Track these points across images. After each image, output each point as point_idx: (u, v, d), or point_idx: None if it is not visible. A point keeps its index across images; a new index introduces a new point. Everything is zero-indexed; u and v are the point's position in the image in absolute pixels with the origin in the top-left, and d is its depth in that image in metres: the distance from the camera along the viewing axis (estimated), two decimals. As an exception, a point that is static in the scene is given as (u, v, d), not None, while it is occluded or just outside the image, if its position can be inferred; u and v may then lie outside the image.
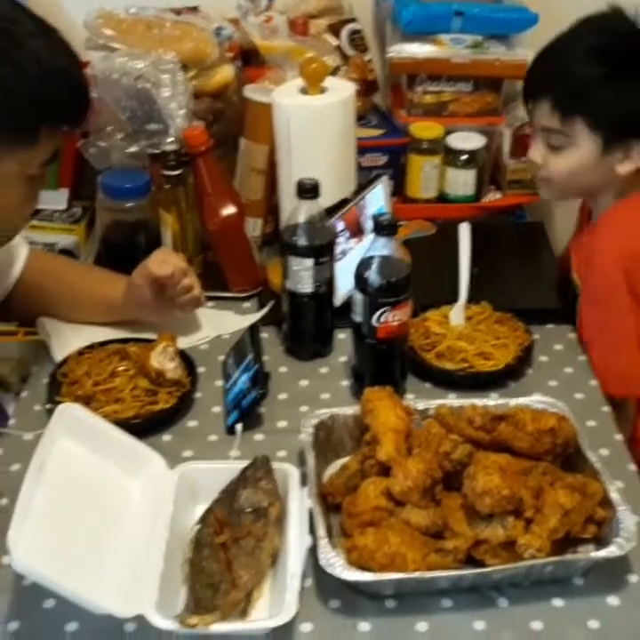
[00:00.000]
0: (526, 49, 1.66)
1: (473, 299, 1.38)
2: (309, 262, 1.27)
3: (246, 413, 1.20)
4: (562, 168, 1.38)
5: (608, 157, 1.34)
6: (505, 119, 1.76)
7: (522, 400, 1.15)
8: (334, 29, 1.72)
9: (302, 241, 1.26)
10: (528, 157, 1.44)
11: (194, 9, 1.61)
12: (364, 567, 0.94)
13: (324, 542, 0.95)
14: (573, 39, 1.36)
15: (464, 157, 1.71)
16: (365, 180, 1.52)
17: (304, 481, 1.04)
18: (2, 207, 1.08)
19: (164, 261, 1.29)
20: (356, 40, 1.73)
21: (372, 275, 1.16)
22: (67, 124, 1.10)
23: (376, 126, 1.75)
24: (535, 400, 1.15)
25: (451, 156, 1.71)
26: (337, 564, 0.93)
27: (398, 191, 1.71)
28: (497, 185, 1.81)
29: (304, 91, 1.40)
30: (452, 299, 1.38)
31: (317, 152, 1.38)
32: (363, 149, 1.59)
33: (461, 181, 1.73)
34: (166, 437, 1.20)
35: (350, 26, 1.73)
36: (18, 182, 1.07)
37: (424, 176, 1.71)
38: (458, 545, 0.96)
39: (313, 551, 0.96)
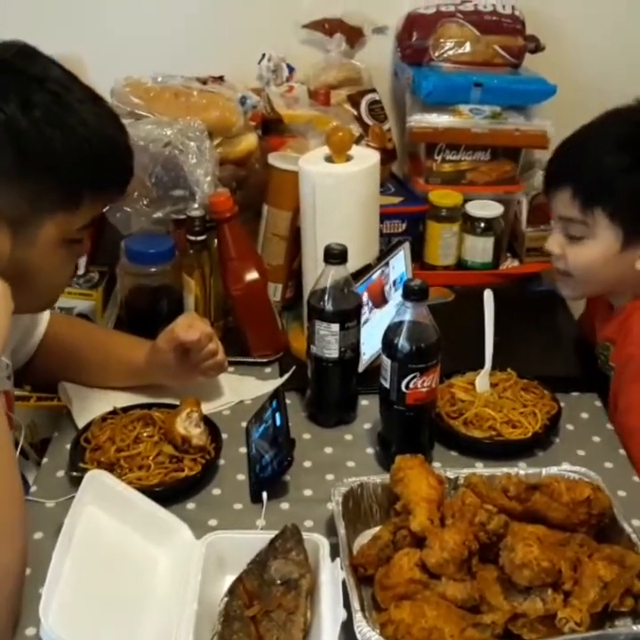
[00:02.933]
0: (544, 119, 1.69)
1: (495, 366, 1.37)
2: (336, 327, 1.27)
3: (272, 482, 1.18)
4: (580, 260, 1.35)
5: (629, 252, 1.32)
6: (523, 187, 1.78)
7: (553, 470, 1.14)
8: (354, 100, 1.75)
9: (329, 306, 1.26)
10: (546, 247, 1.41)
11: (219, 78, 1.64)
12: (399, 642, 0.92)
13: (359, 616, 0.93)
14: (600, 129, 1.35)
15: (482, 225, 1.72)
16: (386, 247, 1.53)
17: (334, 552, 1.02)
18: (42, 271, 1.08)
19: (191, 326, 1.29)
20: (375, 110, 1.76)
21: (402, 340, 1.16)
22: (110, 190, 1.11)
23: (394, 194, 1.76)
24: (566, 469, 1.14)
25: (469, 224, 1.73)
26: (373, 639, 0.90)
27: (417, 258, 1.71)
28: (514, 253, 1.82)
29: (329, 159, 1.42)
30: (475, 365, 1.37)
31: (342, 219, 1.39)
32: (382, 216, 1.60)
33: (480, 248, 1.74)
34: (190, 505, 1.18)
35: (369, 96, 1.76)
36: (57, 246, 1.07)
37: (443, 243, 1.73)
38: (496, 619, 0.94)
39: (346, 625, 0.93)
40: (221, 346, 1.33)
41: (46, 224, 1.04)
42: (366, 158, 1.43)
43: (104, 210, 1.14)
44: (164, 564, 1.04)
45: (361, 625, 0.92)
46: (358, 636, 0.91)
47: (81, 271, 1.72)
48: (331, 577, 0.97)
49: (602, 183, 1.30)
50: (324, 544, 1.03)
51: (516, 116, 1.70)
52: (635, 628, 0.95)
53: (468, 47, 1.71)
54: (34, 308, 1.20)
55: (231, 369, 1.45)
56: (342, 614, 0.93)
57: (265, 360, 1.48)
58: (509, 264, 1.80)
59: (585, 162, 1.33)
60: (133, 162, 1.12)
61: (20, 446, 1.27)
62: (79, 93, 1.03)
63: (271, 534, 1.04)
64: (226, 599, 1.00)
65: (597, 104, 1.90)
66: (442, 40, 1.72)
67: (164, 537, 1.06)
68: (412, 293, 1.15)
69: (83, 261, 1.73)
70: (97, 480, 1.02)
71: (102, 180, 1.07)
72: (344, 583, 0.96)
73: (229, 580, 1.02)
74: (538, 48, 1.76)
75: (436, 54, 1.71)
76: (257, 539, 1.05)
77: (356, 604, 0.94)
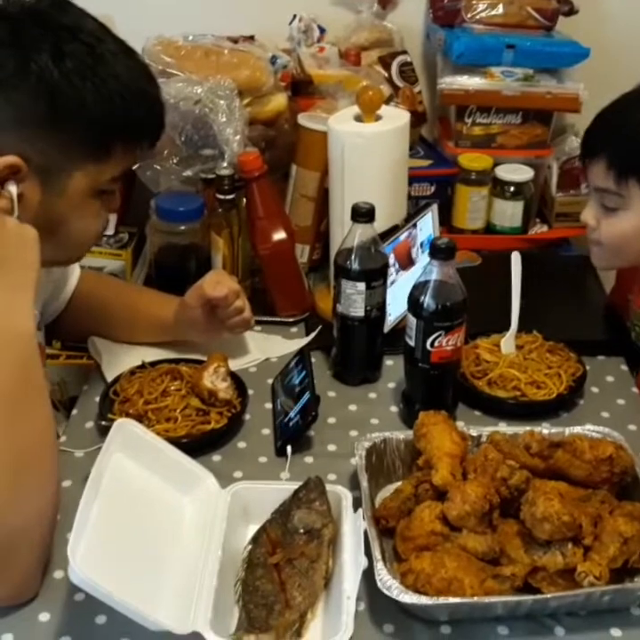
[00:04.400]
0: (577, 83, 1.67)
1: (522, 329, 1.38)
2: (362, 286, 1.27)
3: (296, 436, 1.20)
4: (614, 231, 1.34)
5: None
6: (553, 152, 1.77)
7: (577, 429, 1.14)
8: (384, 61, 1.74)
9: (355, 265, 1.26)
10: (582, 218, 1.40)
11: (250, 38, 1.64)
12: (419, 591, 0.93)
13: (380, 565, 0.94)
14: (637, 99, 1.33)
15: (512, 189, 1.71)
16: (414, 209, 1.53)
17: (356, 504, 1.03)
18: (70, 222, 1.08)
19: (219, 282, 1.30)
20: (406, 72, 1.75)
21: (428, 299, 1.16)
22: (142, 141, 1.11)
23: (424, 157, 1.76)
24: (590, 429, 1.14)
25: (498, 188, 1.72)
26: (394, 587, 0.92)
27: (445, 221, 1.71)
28: (543, 218, 1.81)
29: (359, 118, 1.42)
30: (501, 328, 1.37)
31: (370, 179, 1.39)
32: (411, 179, 1.60)
33: (509, 213, 1.73)
34: (216, 457, 1.20)
35: (400, 58, 1.75)
36: (87, 196, 1.07)
37: (471, 207, 1.72)
38: (516, 571, 0.95)
39: (367, 574, 0.95)
40: (248, 303, 1.35)
41: (76, 174, 1.05)
42: (396, 118, 1.43)
43: (135, 165, 1.14)
44: (190, 512, 1.06)
45: (382, 573, 0.93)
46: (379, 584, 0.93)
47: (111, 231, 1.74)
48: (353, 527, 0.99)
49: (637, 154, 1.29)
50: (346, 496, 1.05)
51: (548, 79, 1.68)
52: (654, 583, 0.96)
53: (500, 9, 1.69)
54: (62, 261, 1.20)
55: (258, 328, 1.47)
56: (363, 562, 0.94)
57: (291, 320, 1.50)
58: (538, 229, 1.79)
59: (621, 132, 1.32)
60: (165, 115, 1.12)
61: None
62: (112, 45, 1.03)
63: (295, 486, 1.06)
64: (249, 547, 1.02)
65: (630, 68, 1.88)
66: (474, 2, 1.70)
67: (190, 486, 1.07)
68: (439, 252, 1.15)
69: (113, 222, 1.74)
70: (125, 428, 1.04)
71: (133, 132, 1.08)
72: (366, 534, 0.97)
73: (253, 529, 1.04)
74: (571, 11, 1.74)
75: (469, 16, 1.70)
76: (281, 489, 1.07)
77: (377, 554, 0.96)
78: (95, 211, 1.11)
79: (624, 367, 1.39)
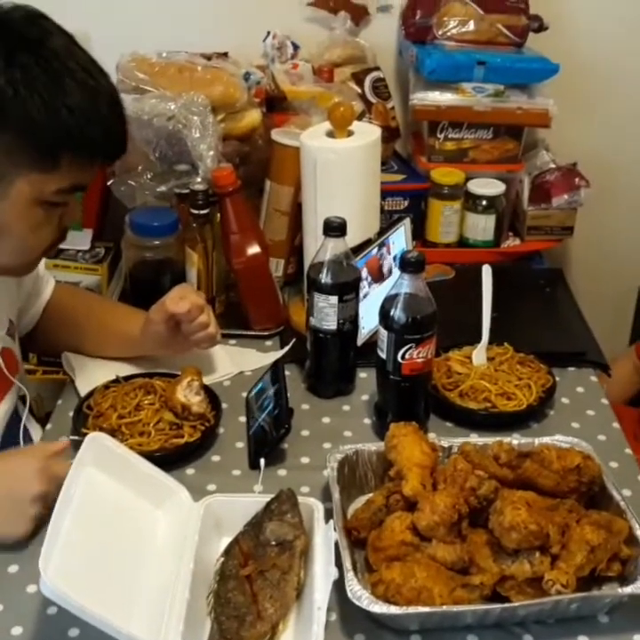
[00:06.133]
0: (547, 98, 1.70)
1: (493, 341, 1.39)
2: (334, 299, 1.28)
3: (270, 449, 1.21)
4: None
5: None
6: (524, 166, 1.79)
7: (546, 439, 1.16)
8: (358, 78, 1.76)
9: (328, 278, 1.28)
10: None
11: (224, 54, 1.65)
12: (390, 601, 0.94)
13: (350, 575, 0.95)
14: None
15: (484, 203, 1.73)
16: (388, 223, 1.54)
17: (328, 516, 1.04)
18: (13, 229, 1.07)
19: (182, 298, 1.30)
20: (379, 88, 1.77)
21: (398, 311, 1.17)
22: (94, 159, 1.09)
23: (397, 172, 1.78)
24: (558, 439, 1.15)
25: (471, 202, 1.74)
26: (364, 597, 0.93)
27: (419, 235, 1.73)
28: (515, 231, 1.83)
29: (331, 134, 1.43)
30: (473, 340, 1.39)
31: (343, 193, 1.41)
32: (384, 193, 1.62)
33: (481, 227, 1.75)
34: (190, 471, 1.20)
35: (373, 74, 1.77)
36: (31, 205, 1.06)
37: (444, 221, 1.74)
38: (484, 580, 0.96)
39: (338, 585, 0.96)
40: (214, 318, 1.34)
41: (19, 181, 1.04)
42: (367, 134, 1.45)
43: (89, 181, 1.13)
44: (163, 525, 1.07)
45: (352, 584, 0.94)
46: (349, 594, 0.94)
47: (87, 246, 1.75)
48: (324, 538, 0.99)
49: None
50: (318, 507, 1.05)
51: (518, 94, 1.71)
52: (620, 590, 0.97)
53: (471, 25, 1.72)
54: (8, 269, 1.17)
55: (233, 342, 1.48)
56: (334, 573, 0.95)
57: (266, 333, 1.51)
58: (510, 242, 1.81)
59: None
60: (125, 137, 1.11)
61: (26, 409, 1.31)
62: (73, 64, 1.03)
63: (268, 498, 1.06)
64: (222, 559, 1.02)
65: (599, 84, 1.93)
66: (446, 18, 1.72)
67: (162, 498, 1.08)
68: (409, 265, 1.17)
69: (88, 237, 1.76)
70: (97, 442, 1.04)
71: (83, 149, 1.06)
72: (337, 545, 0.98)
73: (226, 541, 1.05)
74: (541, 27, 1.77)
75: (440, 32, 1.72)
76: (254, 502, 1.07)
77: (348, 564, 0.96)
78: (39, 221, 1.09)
79: (594, 378, 1.41)
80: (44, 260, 1.28)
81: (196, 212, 1.46)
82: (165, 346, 1.35)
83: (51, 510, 0.94)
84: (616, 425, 1.31)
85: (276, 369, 1.31)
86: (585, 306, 1.63)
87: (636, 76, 1.91)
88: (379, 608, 0.92)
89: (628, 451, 1.25)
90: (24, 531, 1.05)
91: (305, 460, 1.23)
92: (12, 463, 1.09)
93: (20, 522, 1.04)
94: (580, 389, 1.38)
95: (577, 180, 1.76)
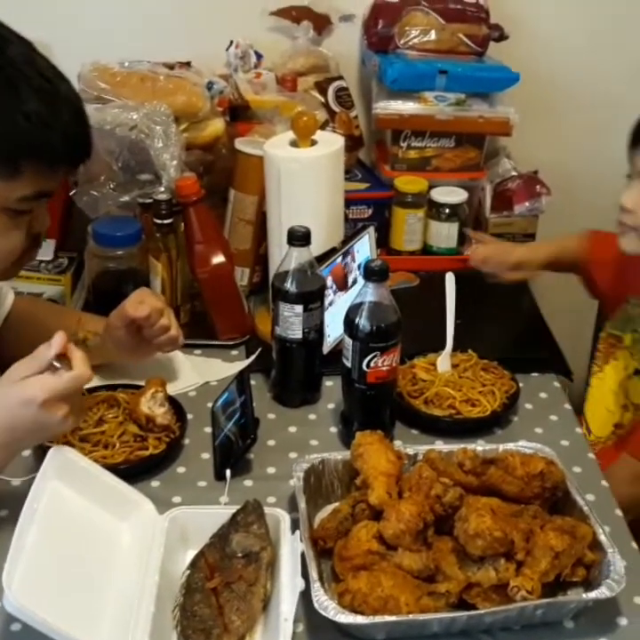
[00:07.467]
0: (508, 107, 1.72)
1: (458, 348, 1.40)
2: (299, 308, 1.29)
3: (236, 460, 1.20)
4: None
5: None
6: (486, 174, 1.81)
7: (510, 446, 1.17)
8: (321, 87, 1.76)
9: (292, 287, 1.28)
10: (621, 202, 1.38)
11: (186, 64, 1.65)
12: (356, 611, 0.94)
13: (317, 585, 0.95)
14: None
15: (447, 211, 1.75)
16: (352, 231, 1.55)
17: (295, 526, 1.04)
18: None
19: (141, 302, 1.28)
20: (343, 97, 1.78)
21: (363, 320, 1.18)
22: (56, 166, 1.08)
23: (361, 180, 1.79)
24: (522, 445, 1.17)
25: (434, 210, 1.75)
26: (331, 608, 0.93)
27: (383, 243, 1.74)
28: (478, 238, 1.85)
29: (294, 143, 1.43)
30: (438, 347, 1.40)
31: (307, 202, 1.41)
32: (348, 202, 1.63)
33: (444, 234, 1.76)
34: (155, 483, 1.20)
35: (336, 83, 1.78)
36: None
37: (408, 228, 1.75)
38: (450, 588, 0.96)
39: (305, 595, 0.96)
40: (174, 320, 1.33)
41: None
42: (331, 143, 1.45)
43: (53, 188, 1.12)
44: (127, 538, 1.06)
45: (319, 594, 0.94)
46: (316, 604, 0.93)
47: (49, 257, 1.73)
48: (290, 549, 1.00)
49: None
50: (285, 518, 1.05)
51: (480, 103, 1.73)
52: (585, 596, 0.98)
53: (433, 35, 1.74)
54: None
55: (198, 351, 1.47)
56: (300, 584, 0.95)
57: (231, 343, 1.50)
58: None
59: None
60: (88, 142, 1.11)
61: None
62: (31, 72, 1.03)
63: (233, 509, 1.06)
64: (188, 572, 1.02)
65: (560, 92, 1.95)
66: (407, 28, 1.74)
67: (127, 511, 1.07)
68: (373, 274, 1.17)
69: (51, 248, 1.74)
70: (60, 455, 1.03)
71: (44, 156, 1.05)
72: (303, 555, 0.98)
73: (192, 554, 1.04)
74: (502, 37, 1.79)
75: (402, 42, 1.74)
76: (219, 513, 1.07)
77: (314, 575, 0.96)
78: (7, 227, 1.09)
79: (557, 384, 1.42)
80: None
81: (159, 221, 1.45)
82: (128, 351, 1.33)
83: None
84: (579, 430, 1.33)
85: (241, 379, 1.31)
86: (547, 312, 1.65)
87: (595, 85, 1.94)
88: (345, 618, 0.92)
89: (591, 455, 1.27)
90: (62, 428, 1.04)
91: (271, 470, 1.23)
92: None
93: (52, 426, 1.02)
94: (543, 395, 1.40)
95: (538, 187, 1.78)
